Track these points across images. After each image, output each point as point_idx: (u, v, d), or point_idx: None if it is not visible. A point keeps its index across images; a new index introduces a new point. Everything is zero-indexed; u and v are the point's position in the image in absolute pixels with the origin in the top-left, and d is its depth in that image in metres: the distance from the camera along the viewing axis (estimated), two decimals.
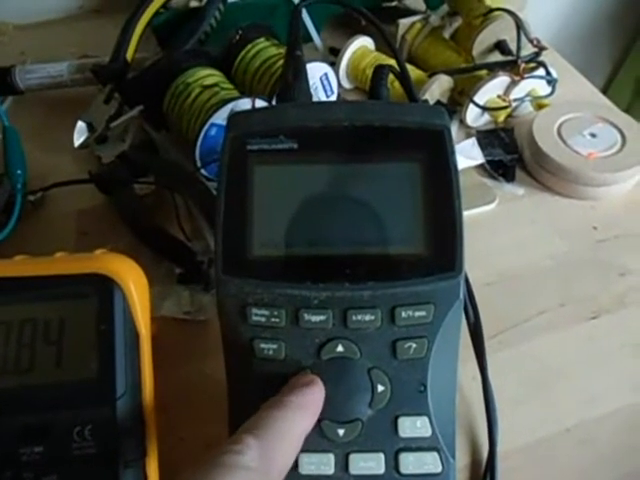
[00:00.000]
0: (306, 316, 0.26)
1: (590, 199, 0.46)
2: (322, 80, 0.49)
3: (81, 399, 0.24)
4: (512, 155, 0.48)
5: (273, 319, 0.26)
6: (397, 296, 0.26)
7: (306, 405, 0.24)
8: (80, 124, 0.50)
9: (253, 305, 0.27)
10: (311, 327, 0.26)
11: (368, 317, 0.26)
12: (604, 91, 0.57)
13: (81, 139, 0.49)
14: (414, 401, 0.26)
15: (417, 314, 0.26)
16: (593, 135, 0.47)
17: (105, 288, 0.25)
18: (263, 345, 0.27)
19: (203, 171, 0.45)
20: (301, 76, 0.32)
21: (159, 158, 0.48)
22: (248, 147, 0.28)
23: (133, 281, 0.26)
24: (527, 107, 0.51)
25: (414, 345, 0.26)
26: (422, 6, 0.60)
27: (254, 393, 0.26)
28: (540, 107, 0.50)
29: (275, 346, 0.27)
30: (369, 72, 0.52)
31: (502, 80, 0.48)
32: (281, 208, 0.28)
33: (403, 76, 0.34)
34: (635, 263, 0.42)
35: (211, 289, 0.40)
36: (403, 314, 0.26)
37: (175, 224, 0.43)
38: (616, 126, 0.47)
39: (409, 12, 0.59)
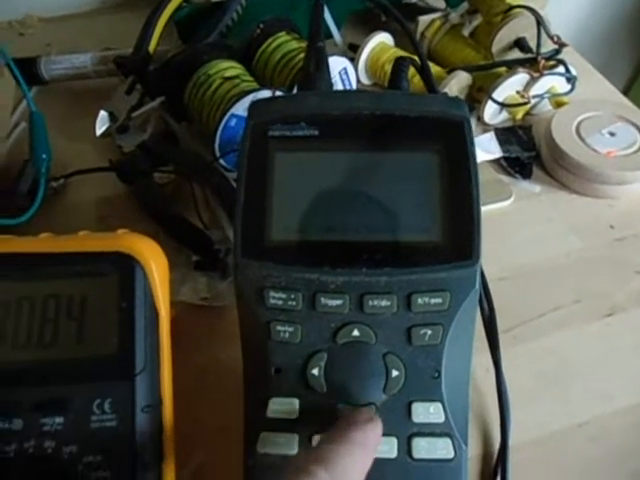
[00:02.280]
0: (323, 300, 0.27)
1: (608, 197, 0.45)
2: (341, 75, 0.49)
3: (101, 373, 0.25)
4: (529, 152, 0.48)
5: (290, 302, 0.27)
6: (413, 283, 0.27)
7: (369, 443, 0.23)
8: (102, 114, 0.50)
9: (270, 288, 0.27)
10: (327, 311, 0.27)
11: (384, 303, 0.27)
12: (624, 93, 0.57)
13: (103, 128, 0.50)
14: (428, 387, 0.27)
15: (433, 301, 0.27)
16: (612, 134, 0.47)
17: (127, 266, 0.26)
18: (279, 328, 0.27)
19: (222, 161, 0.45)
20: (323, 66, 0.33)
21: (179, 148, 0.49)
22: (269, 133, 0.29)
23: (154, 261, 0.27)
24: (545, 105, 0.51)
25: (429, 332, 0.27)
26: (442, 4, 0.60)
27: (270, 375, 0.27)
28: (559, 105, 0.50)
29: (291, 329, 0.27)
30: (388, 68, 0.52)
31: (521, 77, 0.48)
32: (300, 194, 0.28)
33: (424, 69, 0.35)
34: None
35: (227, 277, 0.40)
36: (419, 301, 0.27)
37: (193, 213, 0.43)
38: (635, 125, 0.47)
39: (429, 9, 0.59)
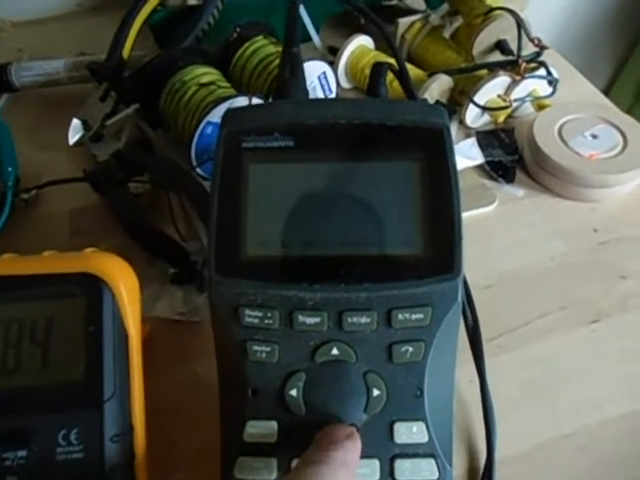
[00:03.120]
0: (300, 318, 0.26)
1: (591, 201, 0.45)
2: (320, 79, 0.48)
3: (67, 402, 0.24)
4: (512, 156, 0.48)
5: (266, 321, 0.26)
6: (393, 298, 0.26)
7: (351, 463, 0.23)
8: (75, 122, 0.49)
9: (246, 306, 0.26)
10: (305, 329, 0.26)
11: (364, 319, 0.26)
12: (605, 93, 0.57)
13: (76, 137, 0.49)
14: (410, 406, 0.26)
15: (414, 317, 0.26)
16: (594, 136, 0.46)
17: (94, 288, 0.25)
18: (256, 347, 0.26)
19: (199, 170, 0.44)
20: (298, 73, 0.31)
21: (154, 157, 0.48)
22: (243, 144, 0.28)
23: (123, 281, 0.26)
24: (528, 108, 0.51)
25: (411, 349, 0.26)
26: (422, 5, 0.59)
27: (247, 397, 0.26)
28: (541, 108, 0.49)
29: (268, 349, 0.26)
30: (368, 71, 0.51)
31: (502, 80, 0.48)
32: (276, 207, 0.27)
33: (402, 75, 0.34)
34: (636, 266, 0.41)
35: (205, 290, 0.39)
36: (400, 317, 0.26)
37: (170, 224, 0.42)
38: (617, 127, 0.47)
39: (409, 11, 0.58)
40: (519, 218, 0.45)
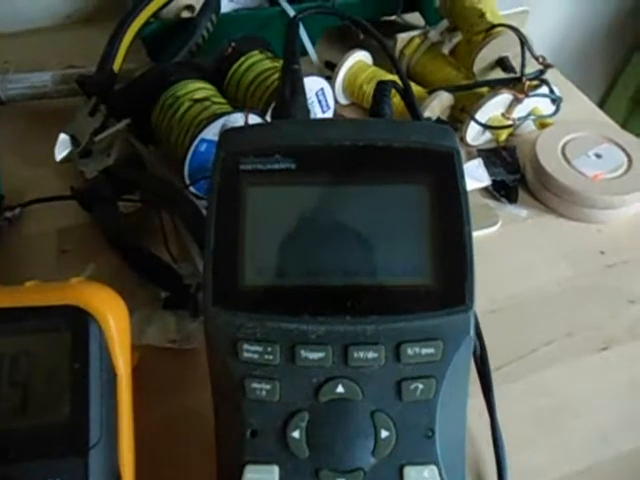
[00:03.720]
0: (303, 353, 0.24)
1: (596, 222, 0.44)
2: (318, 95, 0.47)
3: (50, 448, 0.22)
4: (514, 175, 0.47)
5: (267, 356, 0.24)
6: (402, 331, 0.24)
7: None
8: (63, 137, 0.47)
9: (245, 340, 0.24)
10: (308, 365, 0.24)
11: (371, 354, 0.24)
12: (599, 106, 0.56)
13: (64, 153, 0.47)
14: (421, 448, 0.24)
15: (424, 351, 0.24)
16: (598, 156, 0.45)
17: (80, 322, 0.23)
18: (255, 385, 0.24)
19: (192, 189, 0.43)
20: (299, 91, 0.30)
21: (146, 174, 0.46)
22: (241, 167, 0.26)
23: (112, 314, 0.24)
24: (529, 125, 0.50)
25: (421, 386, 0.24)
26: (421, 21, 0.58)
27: (245, 438, 0.24)
28: (543, 126, 0.49)
29: (269, 386, 0.24)
30: (366, 88, 0.51)
31: (504, 97, 0.47)
32: (276, 234, 0.26)
33: (407, 93, 0.33)
34: None
35: (199, 315, 0.37)
36: (409, 351, 0.24)
37: (162, 245, 0.41)
38: (621, 146, 0.46)
39: (408, 27, 0.57)
40: (523, 239, 0.43)
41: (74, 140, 0.47)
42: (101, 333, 0.23)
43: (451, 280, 0.25)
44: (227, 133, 0.28)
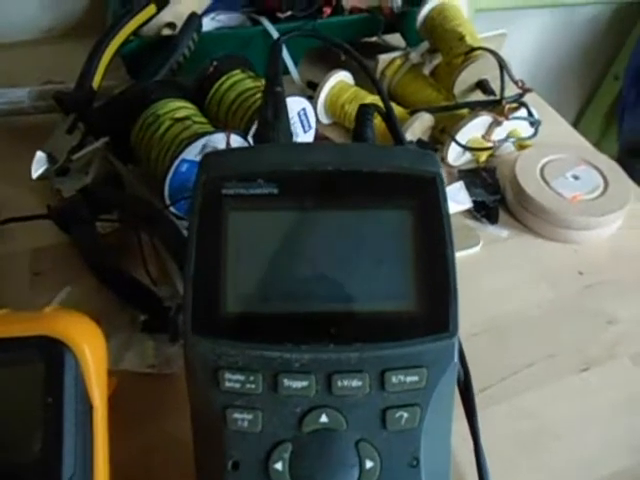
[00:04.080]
0: (286, 382, 0.24)
1: (573, 242, 0.44)
2: (300, 115, 0.47)
3: None
4: (495, 196, 0.47)
5: (248, 385, 0.24)
6: (387, 359, 0.24)
7: None
8: (39, 154, 0.46)
9: (226, 369, 0.24)
10: (291, 394, 0.24)
11: (355, 382, 0.24)
12: (574, 125, 0.57)
13: (40, 170, 0.46)
14: (406, 478, 0.24)
15: (409, 379, 0.24)
16: (576, 177, 0.46)
17: (54, 353, 0.22)
18: (237, 415, 0.24)
19: (172, 209, 0.42)
20: (281, 114, 0.30)
21: (125, 194, 0.45)
22: (223, 191, 0.26)
23: (88, 343, 0.23)
24: (509, 147, 0.50)
25: (406, 414, 0.24)
26: (402, 42, 0.59)
27: (226, 471, 0.23)
28: (522, 147, 0.49)
29: (251, 416, 0.24)
30: (348, 108, 0.51)
31: (484, 119, 0.47)
32: (259, 259, 0.25)
33: (389, 116, 0.33)
34: (622, 310, 0.41)
35: (178, 339, 0.36)
36: (393, 379, 0.24)
37: (140, 266, 0.40)
38: (598, 169, 0.47)
39: (389, 48, 0.58)
40: (504, 260, 0.44)
41: (51, 158, 0.46)
42: (77, 364, 0.22)
43: (435, 306, 0.25)
44: (209, 157, 0.27)
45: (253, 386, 0.24)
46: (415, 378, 0.24)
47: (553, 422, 0.35)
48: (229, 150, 0.34)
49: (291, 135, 0.31)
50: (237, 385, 0.24)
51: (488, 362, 0.37)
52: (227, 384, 0.24)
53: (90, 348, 0.23)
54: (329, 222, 0.26)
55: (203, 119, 0.44)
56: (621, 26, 1.00)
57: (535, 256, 0.44)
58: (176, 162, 0.40)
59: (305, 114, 0.47)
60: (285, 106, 0.31)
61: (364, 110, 0.32)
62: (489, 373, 0.36)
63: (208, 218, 0.26)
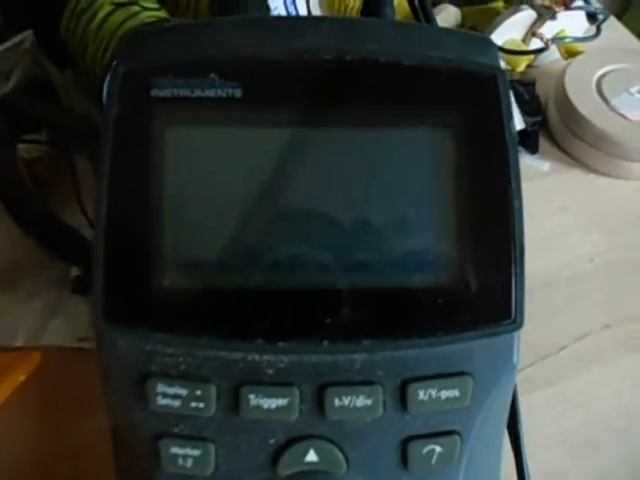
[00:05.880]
0: (253, 398, 0.16)
1: (637, 179, 0.36)
2: (287, 4, 0.36)
3: None
4: (534, 118, 0.38)
5: (194, 403, 0.16)
6: (410, 363, 0.16)
7: None
8: None
9: (160, 377, 0.16)
10: (262, 418, 0.16)
11: (361, 400, 0.16)
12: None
13: None
14: None
15: (444, 394, 0.16)
16: None
17: None
18: (176, 450, 0.16)
19: None
20: None
21: (57, 107, 0.36)
22: (153, 92, 0.16)
23: None
24: (552, 54, 0.40)
25: (439, 448, 0.16)
26: None
27: None
28: (570, 54, 0.39)
29: (197, 452, 0.16)
30: None
31: (527, 14, 0.37)
32: (213, 204, 0.17)
33: None
34: None
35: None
36: (421, 394, 0.16)
37: (74, 203, 0.31)
38: None
39: None
40: (545, 201, 0.35)
41: None
42: None
43: (488, 281, 0.16)
44: (133, 37, 0.17)
45: (202, 405, 0.16)
46: (455, 393, 0.16)
47: (611, 413, 0.27)
48: (165, 27, 0.23)
49: (268, 9, 0.20)
50: (176, 403, 0.16)
51: (527, 334, 0.29)
52: (161, 401, 0.16)
53: None
54: (323, 145, 0.17)
55: (154, 4, 0.33)
56: None
57: (585, 196, 0.35)
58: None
59: (294, 2, 0.36)
60: None
61: None
62: (529, 348, 0.28)
63: (130, 135, 0.16)
